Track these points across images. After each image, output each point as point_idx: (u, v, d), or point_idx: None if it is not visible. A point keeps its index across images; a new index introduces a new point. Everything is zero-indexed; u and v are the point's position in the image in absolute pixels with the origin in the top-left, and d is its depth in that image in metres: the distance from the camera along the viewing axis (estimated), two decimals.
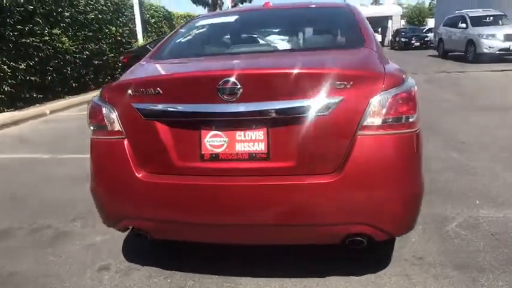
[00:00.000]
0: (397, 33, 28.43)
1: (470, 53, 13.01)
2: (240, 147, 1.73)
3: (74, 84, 10.11)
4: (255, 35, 2.52)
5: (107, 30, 11.77)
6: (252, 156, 1.73)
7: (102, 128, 1.92)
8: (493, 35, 12.38)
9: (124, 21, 12.92)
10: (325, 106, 1.64)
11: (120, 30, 12.58)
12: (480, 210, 2.72)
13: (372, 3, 48.52)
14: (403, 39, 25.80)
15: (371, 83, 1.67)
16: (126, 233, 2.65)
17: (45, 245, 2.63)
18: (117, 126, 1.86)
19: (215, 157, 1.76)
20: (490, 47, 12.30)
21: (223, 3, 46.55)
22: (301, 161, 1.69)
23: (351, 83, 1.64)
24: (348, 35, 2.37)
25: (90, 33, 10.90)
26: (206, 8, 44.30)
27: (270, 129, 1.70)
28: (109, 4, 11.98)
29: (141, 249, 2.49)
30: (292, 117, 1.68)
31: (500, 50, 12.25)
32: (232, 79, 1.65)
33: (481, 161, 3.69)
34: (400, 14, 36.77)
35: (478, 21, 13.58)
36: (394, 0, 40.44)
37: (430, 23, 40.81)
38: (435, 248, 2.29)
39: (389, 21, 35.67)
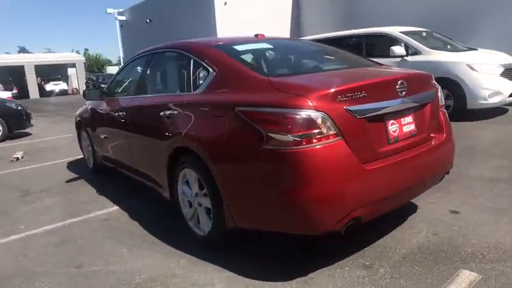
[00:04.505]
0: (91, 80, 28.83)
1: None
2: (405, 129, 2.42)
3: None
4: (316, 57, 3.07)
5: None
6: (411, 134, 2.46)
7: (313, 135, 2.03)
8: None
9: None
10: (432, 95, 2.64)
11: None
12: None
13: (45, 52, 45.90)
14: (103, 86, 26.42)
15: (433, 82, 2.80)
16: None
17: None
18: (334, 129, 2.07)
19: (396, 140, 2.36)
20: None
21: None
22: (428, 131, 2.59)
23: (433, 81, 2.72)
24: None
25: None
26: None
27: (414, 113, 2.50)
28: None
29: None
30: (423, 104, 2.56)
31: None
32: (404, 81, 2.36)
33: None
34: (83, 61, 37.02)
35: None
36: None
37: (110, 69, 43.67)
38: None
39: (73, 69, 35.12)
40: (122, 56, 35.05)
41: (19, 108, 8.83)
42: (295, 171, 2.04)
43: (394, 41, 7.17)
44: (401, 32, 7.29)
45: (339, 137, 2.09)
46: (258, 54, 3.11)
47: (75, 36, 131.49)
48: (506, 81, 6.48)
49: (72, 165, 5.69)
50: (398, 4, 11.38)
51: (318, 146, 2.04)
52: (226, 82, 2.53)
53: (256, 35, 3.34)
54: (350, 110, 2.12)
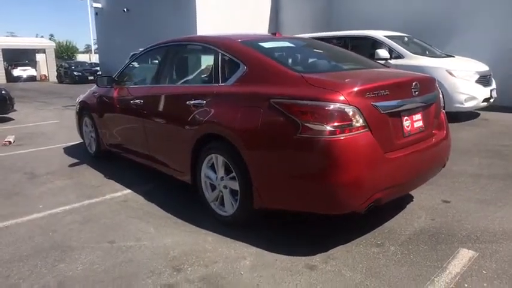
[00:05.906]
0: (62, 67, 27.98)
1: None
2: (415, 125, 2.76)
3: None
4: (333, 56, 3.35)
5: None
6: (420, 130, 2.80)
7: (346, 126, 2.31)
8: None
9: None
10: (436, 96, 2.99)
11: None
12: None
13: (7, 36, 43.81)
14: (76, 73, 25.79)
15: (436, 85, 3.15)
16: None
17: None
18: (362, 122, 2.36)
19: (409, 134, 2.68)
20: None
21: None
22: (433, 128, 2.95)
23: (436, 84, 3.07)
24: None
25: None
26: None
27: (422, 112, 2.84)
28: None
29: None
30: (429, 104, 2.91)
31: None
32: (417, 82, 2.69)
33: None
34: (54, 47, 35.68)
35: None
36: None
37: (81, 57, 42.44)
38: None
39: (41, 55, 33.79)
40: (93, 44, 34.04)
41: (3, 92, 8.62)
42: (329, 157, 2.31)
43: (379, 44, 7.62)
44: (385, 36, 7.74)
45: (366, 129, 2.38)
46: (283, 51, 3.35)
47: (40, 21, 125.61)
48: (480, 87, 7.07)
49: (69, 151, 5.72)
50: (378, 7, 11.87)
51: (349, 136, 2.32)
52: (259, 76, 2.76)
53: (273, 33, 3.58)
54: (376, 106, 2.43)
